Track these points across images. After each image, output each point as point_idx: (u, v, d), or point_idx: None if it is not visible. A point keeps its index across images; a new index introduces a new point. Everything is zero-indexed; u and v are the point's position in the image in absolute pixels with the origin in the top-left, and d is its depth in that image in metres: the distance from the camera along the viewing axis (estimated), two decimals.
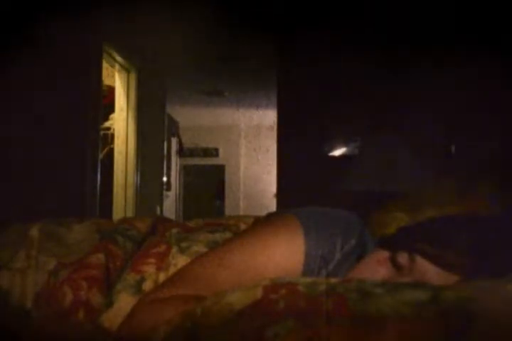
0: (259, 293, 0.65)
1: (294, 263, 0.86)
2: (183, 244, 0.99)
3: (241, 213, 7.48)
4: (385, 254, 0.84)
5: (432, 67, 2.69)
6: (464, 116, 2.69)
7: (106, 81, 3.71)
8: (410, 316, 0.58)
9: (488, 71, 2.53)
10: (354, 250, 0.88)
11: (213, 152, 8.14)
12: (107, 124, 3.81)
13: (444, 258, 0.77)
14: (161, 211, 4.42)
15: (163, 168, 4.65)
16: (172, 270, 0.94)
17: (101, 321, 0.89)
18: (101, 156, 3.28)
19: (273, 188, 4.23)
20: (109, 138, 3.78)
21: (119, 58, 3.50)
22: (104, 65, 3.31)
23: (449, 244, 0.77)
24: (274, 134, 3.40)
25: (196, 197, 7.89)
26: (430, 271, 0.78)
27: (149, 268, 0.95)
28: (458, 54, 2.61)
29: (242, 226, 1.04)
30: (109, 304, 0.91)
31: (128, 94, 3.77)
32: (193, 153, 7.91)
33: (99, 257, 0.97)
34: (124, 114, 3.77)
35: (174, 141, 6.45)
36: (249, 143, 8.02)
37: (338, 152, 3.09)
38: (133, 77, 3.78)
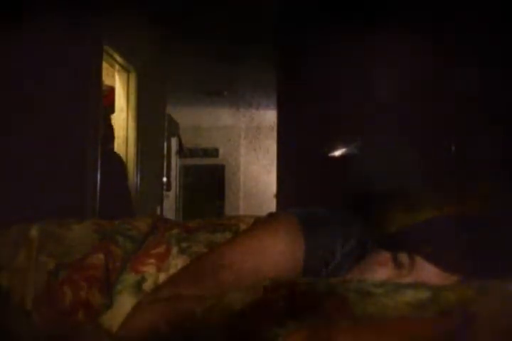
0: (259, 293, 0.65)
1: (294, 263, 0.86)
2: (183, 244, 0.99)
3: (241, 213, 7.48)
4: (385, 254, 0.84)
5: (430, 66, 2.69)
6: (464, 116, 2.69)
7: (106, 81, 3.71)
8: (410, 316, 0.58)
9: (490, 71, 2.53)
10: (354, 250, 0.88)
11: (213, 152, 8.15)
12: None
13: (444, 258, 0.77)
14: (161, 211, 4.42)
15: (163, 168, 4.65)
16: (172, 270, 0.94)
17: (101, 321, 0.89)
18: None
19: (273, 188, 4.23)
20: None
21: (119, 58, 3.50)
22: (104, 65, 3.31)
23: (449, 244, 0.77)
24: (274, 134, 3.40)
25: (196, 197, 7.89)
26: (430, 272, 0.78)
27: (149, 269, 0.95)
28: (457, 54, 2.61)
29: (242, 227, 1.04)
30: (109, 304, 0.91)
31: (128, 94, 3.77)
32: (193, 153, 7.91)
33: (99, 257, 0.97)
34: (124, 114, 3.77)
35: (174, 141, 6.45)
36: (249, 143, 8.02)
37: (338, 152, 3.09)
38: (133, 77, 3.78)
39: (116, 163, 3.27)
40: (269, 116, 6.34)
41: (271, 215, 1.02)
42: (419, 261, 0.79)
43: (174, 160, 6.67)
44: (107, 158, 3.05)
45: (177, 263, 0.95)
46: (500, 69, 2.55)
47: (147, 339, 0.73)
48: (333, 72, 2.85)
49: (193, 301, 0.75)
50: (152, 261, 0.96)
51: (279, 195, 3.30)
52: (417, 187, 0.93)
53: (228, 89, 5.75)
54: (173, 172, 6.72)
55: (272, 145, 6.25)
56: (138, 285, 0.93)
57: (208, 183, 8.15)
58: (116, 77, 3.75)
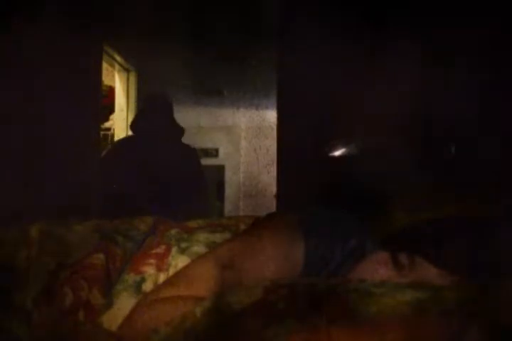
0: (259, 293, 0.65)
1: (294, 263, 0.86)
2: (183, 245, 0.99)
3: (241, 213, 7.47)
4: (385, 255, 0.84)
5: (430, 67, 2.69)
6: (464, 116, 2.69)
7: (106, 81, 3.71)
8: (410, 316, 0.58)
9: (490, 71, 2.53)
10: (354, 250, 0.88)
11: (213, 152, 8.14)
12: (107, 124, 3.81)
13: (444, 258, 0.77)
14: None
15: None
16: (172, 270, 0.94)
17: (101, 321, 0.89)
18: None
19: (273, 188, 4.23)
20: (109, 138, 3.78)
21: (119, 58, 3.50)
22: (104, 65, 3.31)
23: (449, 244, 0.77)
24: (274, 134, 3.40)
25: None
26: (430, 272, 0.78)
27: (149, 269, 0.95)
28: (457, 54, 2.61)
29: (242, 227, 1.04)
30: (110, 304, 0.91)
31: (128, 94, 3.77)
32: None
33: (100, 257, 0.97)
34: (124, 114, 3.77)
35: None
36: (249, 144, 8.02)
37: (338, 152, 3.08)
38: (133, 77, 3.78)
39: (190, 153, 3.62)
40: (269, 116, 6.34)
41: (270, 215, 1.02)
42: (419, 261, 0.79)
43: None
44: (182, 149, 3.48)
45: (177, 263, 0.95)
46: (500, 70, 2.54)
47: (147, 340, 0.73)
48: (334, 72, 2.85)
49: (193, 301, 0.75)
50: (152, 261, 0.96)
51: (279, 195, 3.29)
52: (417, 188, 0.93)
53: (228, 89, 5.75)
54: None
55: (272, 145, 6.24)
56: (138, 286, 0.93)
57: (208, 183, 8.14)
58: (116, 77, 3.75)
